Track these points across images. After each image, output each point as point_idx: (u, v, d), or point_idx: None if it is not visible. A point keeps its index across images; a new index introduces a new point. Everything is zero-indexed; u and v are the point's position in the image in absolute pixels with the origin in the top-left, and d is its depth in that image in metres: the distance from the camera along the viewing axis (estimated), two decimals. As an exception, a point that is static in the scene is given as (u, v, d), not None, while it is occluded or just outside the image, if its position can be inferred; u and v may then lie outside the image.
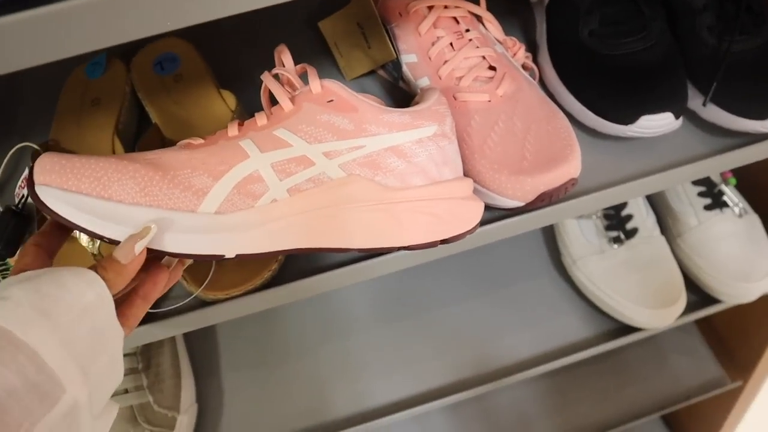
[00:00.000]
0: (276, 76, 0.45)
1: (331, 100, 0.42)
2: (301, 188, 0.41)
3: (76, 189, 0.38)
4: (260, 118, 0.43)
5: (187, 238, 0.39)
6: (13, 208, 0.53)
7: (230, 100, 0.60)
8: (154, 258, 0.41)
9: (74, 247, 0.51)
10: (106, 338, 0.35)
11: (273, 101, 0.44)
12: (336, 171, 0.42)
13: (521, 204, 0.51)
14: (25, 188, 0.54)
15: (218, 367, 0.80)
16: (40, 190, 0.39)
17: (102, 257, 0.51)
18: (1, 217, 0.52)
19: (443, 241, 0.45)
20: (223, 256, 0.41)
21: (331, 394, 0.78)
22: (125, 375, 0.70)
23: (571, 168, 0.50)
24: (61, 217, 0.38)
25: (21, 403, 0.29)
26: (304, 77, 0.45)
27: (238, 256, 0.41)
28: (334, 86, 0.43)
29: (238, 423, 0.76)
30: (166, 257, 0.41)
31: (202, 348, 0.81)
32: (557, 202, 0.54)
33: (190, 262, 0.43)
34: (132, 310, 0.39)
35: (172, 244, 0.39)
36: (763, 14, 0.59)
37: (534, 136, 0.52)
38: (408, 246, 0.44)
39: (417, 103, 0.47)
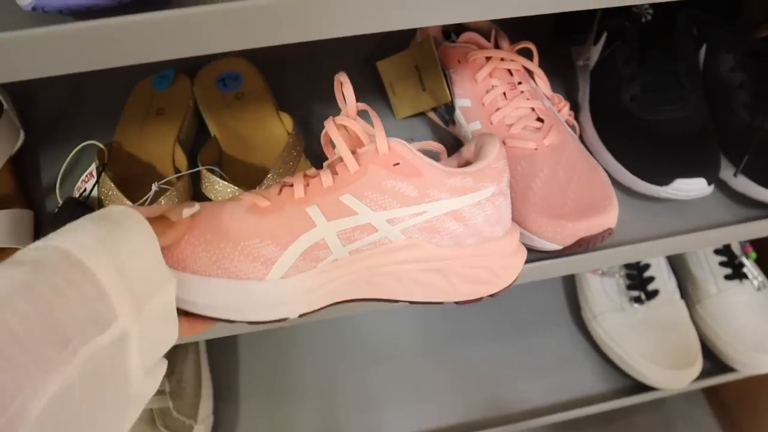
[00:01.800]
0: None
1: (397, 164, 0.42)
2: (362, 250, 0.43)
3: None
4: (326, 179, 0.42)
5: (254, 308, 0.42)
6: (77, 198, 0.55)
7: (287, 122, 0.63)
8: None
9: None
10: (159, 281, 0.36)
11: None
12: (397, 235, 0.43)
13: (559, 247, 0.53)
14: (89, 182, 0.57)
15: (236, 385, 0.81)
16: None
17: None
18: (65, 205, 0.55)
19: (491, 296, 0.47)
20: (287, 318, 0.43)
21: (344, 422, 0.78)
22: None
23: (609, 218, 0.53)
24: None
25: (75, 318, 0.29)
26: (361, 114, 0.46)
27: (300, 315, 0.43)
28: (400, 148, 0.42)
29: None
30: None
31: (221, 365, 0.82)
32: (592, 250, 0.56)
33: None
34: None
35: (239, 315, 0.42)
36: (796, 97, 0.63)
37: (576, 186, 0.55)
38: (458, 302, 0.46)
39: (474, 152, 0.48)
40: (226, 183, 0.52)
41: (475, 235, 0.44)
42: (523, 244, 0.51)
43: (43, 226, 0.61)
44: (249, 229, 0.41)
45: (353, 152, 0.42)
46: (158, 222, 0.38)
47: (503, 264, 0.46)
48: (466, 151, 0.49)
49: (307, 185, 0.43)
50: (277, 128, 0.63)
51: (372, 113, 0.44)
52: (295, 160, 0.56)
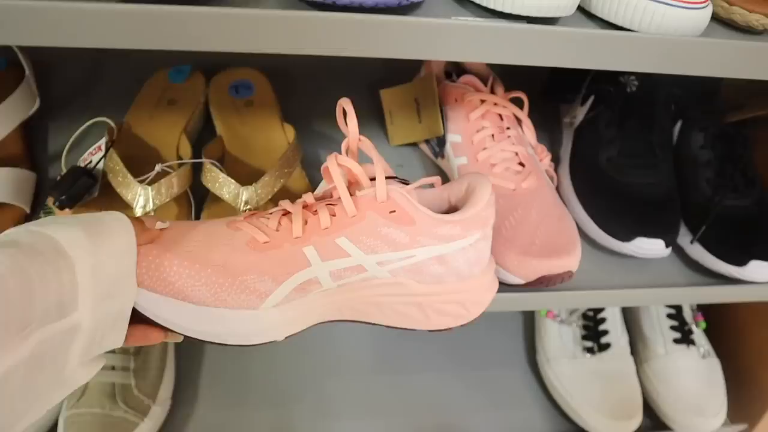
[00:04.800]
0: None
1: (393, 211, 0.44)
2: (350, 285, 0.46)
3: (161, 291, 0.42)
4: (324, 219, 0.44)
5: (245, 334, 0.44)
6: (83, 166, 0.59)
7: (290, 133, 0.67)
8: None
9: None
10: (122, 288, 0.38)
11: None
12: (384, 274, 0.45)
13: (521, 282, 0.58)
14: (96, 154, 0.60)
15: (198, 376, 0.83)
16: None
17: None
18: (71, 172, 0.58)
19: (462, 325, 0.51)
20: (275, 340, 0.45)
21: (296, 429, 0.80)
22: (116, 353, 0.73)
23: (571, 261, 0.57)
24: (142, 307, 0.42)
25: (45, 304, 0.32)
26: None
27: (287, 338, 0.46)
28: (398, 197, 0.44)
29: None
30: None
31: (186, 355, 0.84)
32: (551, 290, 0.60)
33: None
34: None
35: (231, 338, 0.44)
36: (753, 179, 0.68)
37: (545, 228, 0.59)
38: (431, 330, 0.50)
39: (465, 194, 0.49)
40: (227, 177, 0.56)
41: (455, 275, 0.47)
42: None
43: (43, 189, 0.64)
44: (247, 264, 0.43)
45: (352, 194, 0.44)
46: (135, 223, 0.41)
47: (476, 299, 0.50)
48: (457, 190, 0.50)
49: (306, 223, 0.44)
50: (279, 137, 0.67)
51: (376, 158, 0.45)
52: (291, 166, 0.60)
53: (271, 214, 0.46)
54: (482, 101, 0.65)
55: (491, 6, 0.44)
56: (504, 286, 0.60)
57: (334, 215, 0.44)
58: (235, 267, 0.43)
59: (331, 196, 0.47)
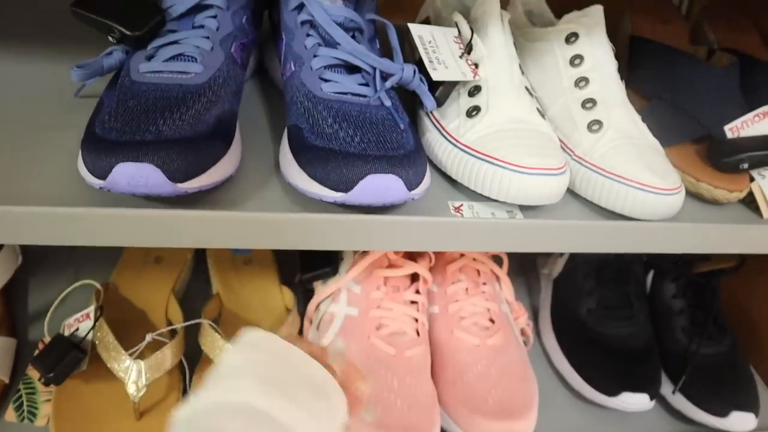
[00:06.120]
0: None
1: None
2: None
3: None
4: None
5: None
6: (70, 339, 0.56)
7: (288, 298, 0.67)
8: None
9: (116, 391, 0.55)
10: None
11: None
12: None
13: None
14: (83, 322, 0.59)
15: None
16: None
17: (138, 405, 0.54)
18: (57, 343, 0.55)
19: None
20: None
21: None
22: None
23: (522, 427, 0.57)
24: None
25: None
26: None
27: None
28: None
29: None
30: None
31: None
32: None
33: None
34: None
35: None
36: (724, 326, 0.72)
37: (502, 388, 0.59)
38: None
39: None
40: (225, 341, 0.55)
41: None
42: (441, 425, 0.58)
43: (22, 353, 0.62)
44: None
45: None
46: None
47: None
48: None
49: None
50: (276, 301, 0.67)
51: None
52: (290, 336, 0.59)
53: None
54: (462, 255, 0.67)
55: (486, 193, 0.47)
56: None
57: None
58: None
59: None
